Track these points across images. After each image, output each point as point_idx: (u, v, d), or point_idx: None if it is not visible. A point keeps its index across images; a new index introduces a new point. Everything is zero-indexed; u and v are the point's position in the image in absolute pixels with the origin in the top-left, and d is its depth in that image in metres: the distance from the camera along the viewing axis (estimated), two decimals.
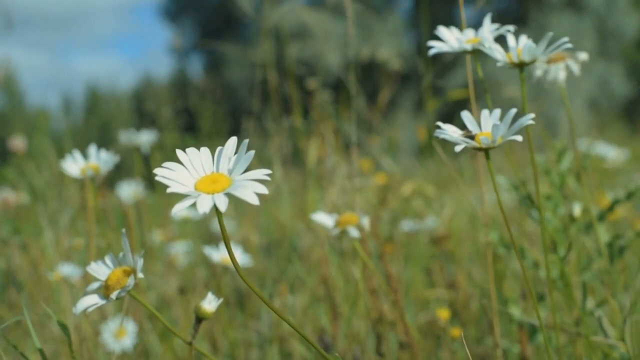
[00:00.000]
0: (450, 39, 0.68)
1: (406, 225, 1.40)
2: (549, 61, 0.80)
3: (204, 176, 0.48)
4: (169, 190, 0.46)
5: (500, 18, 0.70)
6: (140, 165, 1.54)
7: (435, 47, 0.67)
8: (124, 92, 12.06)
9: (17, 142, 2.02)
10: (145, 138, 1.36)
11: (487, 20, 0.67)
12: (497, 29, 0.66)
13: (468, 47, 0.66)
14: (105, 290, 0.56)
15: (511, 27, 0.66)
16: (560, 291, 0.85)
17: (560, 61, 0.80)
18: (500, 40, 0.67)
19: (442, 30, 0.68)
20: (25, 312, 0.61)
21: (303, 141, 1.64)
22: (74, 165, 0.92)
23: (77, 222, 1.70)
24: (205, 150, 0.50)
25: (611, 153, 1.56)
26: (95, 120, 10.46)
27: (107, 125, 10.40)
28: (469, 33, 0.68)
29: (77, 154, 0.92)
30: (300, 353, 1.08)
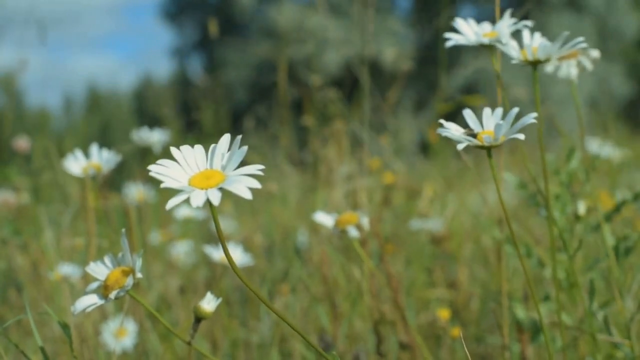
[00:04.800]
0: (468, 32, 0.67)
1: (409, 224, 1.40)
2: (560, 58, 0.80)
3: (197, 172, 0.49)
4: (162, 186, 0.47)
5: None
6: (149, 165, 1.53)
7: (453, 39, 0.67)
8: (125, 92, 12.07)
9: (21, 142, 2.02)
10: (157, 138, 1.35)
11: (506, 15, 0.67)
12: (515, 23, 0.66)
13: (485, 40, 0.65)
14: (104, 290, 0.56)
15: (529, 23, 0.66)
16: (564, 290, 0.85)
17: (571, 58, 0.80)
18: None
19: (460, 23, 0.68)
20: (28, 311, 0.61)
21: (313, 141, 1.63)
22: (75, 164, 0.92)
23: (78, 222, 1.70)
24: (199, 147, 0.50)
25: (614, 153, 1.56)
26: (95, 120, 10.46)
27: (108, 125, 10.41)
28: (487, 27, 0.68)
29: (78, 153, 0.92)
30: (300, 353, 1.08)
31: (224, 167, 0.49)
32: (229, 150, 0.49)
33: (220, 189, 0.46)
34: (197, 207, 0.44)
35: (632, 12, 8.62)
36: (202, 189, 0.46)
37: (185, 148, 0.50)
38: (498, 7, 0.72)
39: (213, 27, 2.02)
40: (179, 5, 10.63)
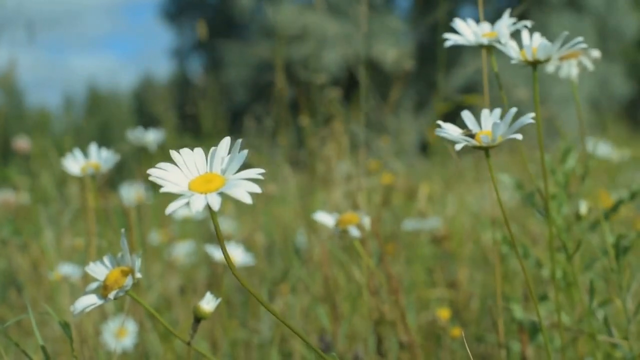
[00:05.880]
0: (466, 32, 0.67)
1: (409, 224, 1.40)
2: (561, 58, 0.80)
3: (197, 176, 0.49)
4: (162, 190, 0.46)
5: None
6: (146, 165, 1.53)
7: (452, 39, 0.67)
8: (124, 92, 12.08)
9: (22, 143, 2.02)
10: (152, 137, 1.35)
11: (505, 15, 0.67)
12: (514, 23, 0.66)
13: (484, 40, 0.65)
14: (103, 290, 0.56)
15: (528, 23, 0.65)
16: (563, 290, 0.85)
17: (572, 58, 0.80)
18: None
19: (459, 23, 0.68)
20: (29, 310, 0.61)
21: (311, 141, 1.63)
22: (74, 163, 0.92)
23: (78, 222, 1.70)
24: (198, 150, 0.50)
25: (612, 153, 1.56)
26: (95, 120, 10.47)
27: (108, 125, 10.41)
28: (486, 27, 0.68)
29: (77, 152, 0.92)
30: (300, 353, 1.08)
31: (224, 171, 0.48)
32: (229, 153, 0.49)
33: (220, 193, 0.46)
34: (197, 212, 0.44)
35: (632, 12, 8.63)
36: (202, 193, 0.46)
37: (185, 151, 0.49)
38: (481, 6, 0.72)
39: (202, 30, 2.01)
40: (179, 5, 10.63)
